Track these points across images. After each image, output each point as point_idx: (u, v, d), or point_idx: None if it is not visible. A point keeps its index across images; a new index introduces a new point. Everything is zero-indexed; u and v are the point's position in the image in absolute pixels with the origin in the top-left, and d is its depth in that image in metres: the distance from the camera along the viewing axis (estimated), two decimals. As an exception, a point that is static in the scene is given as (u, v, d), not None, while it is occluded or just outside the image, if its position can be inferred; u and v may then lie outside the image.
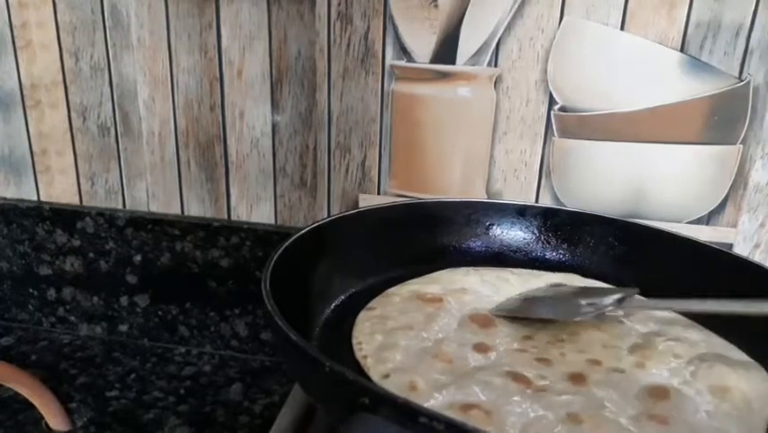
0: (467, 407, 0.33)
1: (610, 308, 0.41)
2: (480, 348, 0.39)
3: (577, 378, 0.36)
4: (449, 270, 0.49)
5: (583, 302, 0.42)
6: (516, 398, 0.34)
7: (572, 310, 0.42)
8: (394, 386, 0.35)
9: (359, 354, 0.39)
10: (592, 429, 0.32)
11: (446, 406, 0.33)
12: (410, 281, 0.47)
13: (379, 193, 0.60)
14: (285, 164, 0.62)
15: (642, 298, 0.43)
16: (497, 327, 0.41)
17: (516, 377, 0.36)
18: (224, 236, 0.63)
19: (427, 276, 0.48)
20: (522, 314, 0.42)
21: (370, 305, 0.44)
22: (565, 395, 0.34)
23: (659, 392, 0.35)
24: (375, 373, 0.37)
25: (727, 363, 0.38)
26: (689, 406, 0.34)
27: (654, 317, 0.43)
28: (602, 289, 0.47)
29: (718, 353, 0.40)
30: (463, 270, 0.49)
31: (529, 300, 0.44)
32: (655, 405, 0.34)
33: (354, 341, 0.40)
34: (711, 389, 0.36)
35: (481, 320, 0.42)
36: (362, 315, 0.43)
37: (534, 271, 0.50)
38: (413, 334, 0.40)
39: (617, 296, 0.42)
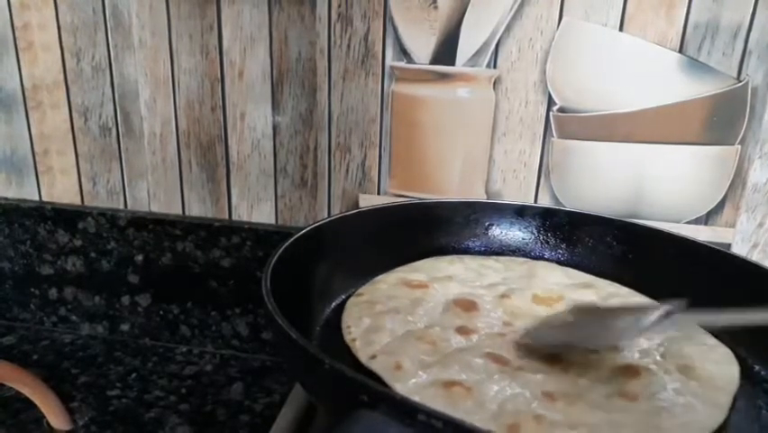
0: (449, 384, 0.34)
1: (656, 324, 0.36)
2: (463, 331, 0.40)
3: (553, 359, 0.37)
4: (434, 258, 0.50)
5: (622, 324, 0.37)
6: (495, 376, 0.35)
7: (614, 334, 0.38)
8: (380, 366, 0.36)
9: (347, 338, 0.40)
10: (566, 406, 0.33)
11: (429, 384, 0.35)
12: (396, 269, 0.48)
13: (379, 193, 0.61)
14: (285, 164, 0.62)
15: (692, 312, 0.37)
16: (479, 312, 0.42)
17: (496, 358, 0.37)
18: (224, 236, 0.63)
19: (412, 264, 0.49)
20: (557, 342, 0.38)
21: (358, 291, 0.45)
22: (541, 374, 0.36)
23: (630, 372, 0.36)
24: (363, 354, 0.38)
25: (697, 344, 0.40)
26: (657, 384, 0.36)
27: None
28: (635, 307, 0.42)
29: (690, 335, 0.41)
30: (448, 258, 0.50)
31: (560, 327, 0.40)
32: (626, 384, 0.35)
33: (343, 325, 0.41)
34: (679, 368, 0.37)
35: (465, 305, 0.43)
36: (351, 301, 0.44)
37: (518, 258, 0.51)
38: (399, 317, 0.41)
39: (660, 312, 0.36)
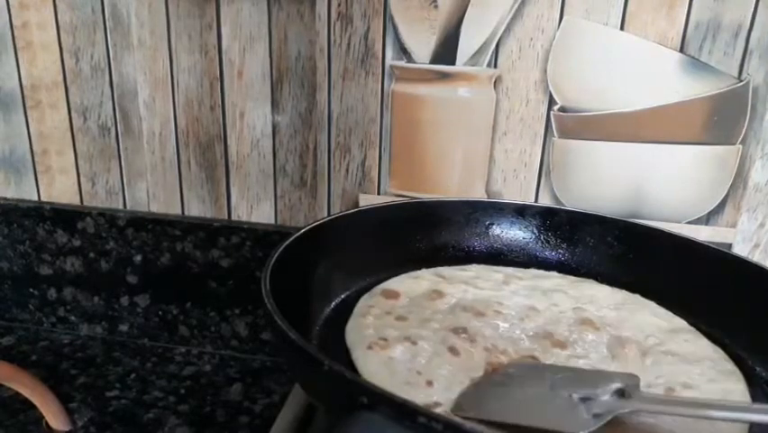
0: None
1: (616, 410, 0.32)
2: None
3: None
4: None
5: (575, 397, 0.33)
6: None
7: (568, 416, 0.32)
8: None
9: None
10: None
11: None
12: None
13: (379, 193, 0.61)
14: (285, 164, 0.62)
15: (648, 393, 0.34)
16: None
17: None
18: (224, 236, 0.63)
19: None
20: (495, 417, 0.32)
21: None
22: None
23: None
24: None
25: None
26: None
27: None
28: (584, 372, 0.37)
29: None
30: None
31: (494, 393, 0.35)
32: None
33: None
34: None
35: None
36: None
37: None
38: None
39: (614, 386, 0.33)
